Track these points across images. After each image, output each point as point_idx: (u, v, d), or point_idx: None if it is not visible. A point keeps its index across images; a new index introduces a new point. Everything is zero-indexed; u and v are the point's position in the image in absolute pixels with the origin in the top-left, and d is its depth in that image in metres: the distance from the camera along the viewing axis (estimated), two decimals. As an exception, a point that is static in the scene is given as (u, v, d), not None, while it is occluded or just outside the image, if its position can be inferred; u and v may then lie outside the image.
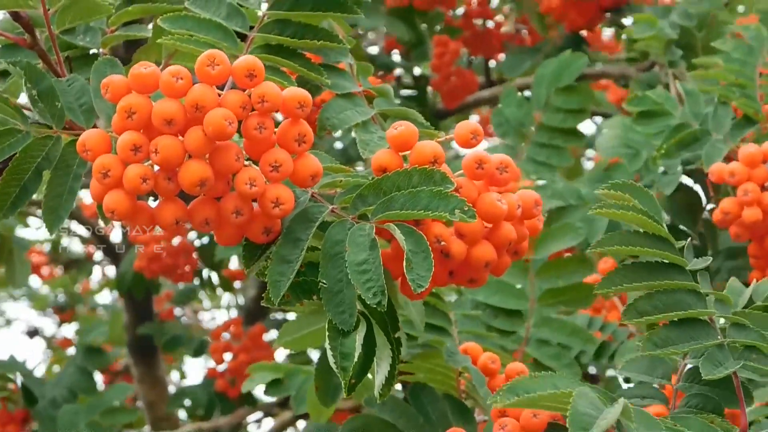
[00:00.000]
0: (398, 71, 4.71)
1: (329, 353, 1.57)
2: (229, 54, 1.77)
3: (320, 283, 1.59)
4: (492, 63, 4.69)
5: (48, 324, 7.20)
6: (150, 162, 1.58)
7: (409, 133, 1.69)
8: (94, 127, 1.76)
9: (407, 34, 3.98)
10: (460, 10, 4.49)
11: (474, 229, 1.68)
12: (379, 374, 1.66)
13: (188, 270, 4.04)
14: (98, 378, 5.90)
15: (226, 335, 4.22)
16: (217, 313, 7.03)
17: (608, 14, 3.98)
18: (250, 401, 4.14)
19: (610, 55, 4.33)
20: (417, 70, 4.69)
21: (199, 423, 3.99)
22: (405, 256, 1.54)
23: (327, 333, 1.58)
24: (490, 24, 4.48)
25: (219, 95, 1.58)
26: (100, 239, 4.45)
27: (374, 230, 1.59)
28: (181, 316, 6.32)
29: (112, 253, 4.45)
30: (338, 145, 4.48)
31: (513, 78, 4.15)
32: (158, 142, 1.56)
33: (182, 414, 4.69)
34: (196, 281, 4.51)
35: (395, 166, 1.67)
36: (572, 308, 2.65)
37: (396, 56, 4.64)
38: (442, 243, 1.65)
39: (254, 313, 4.59)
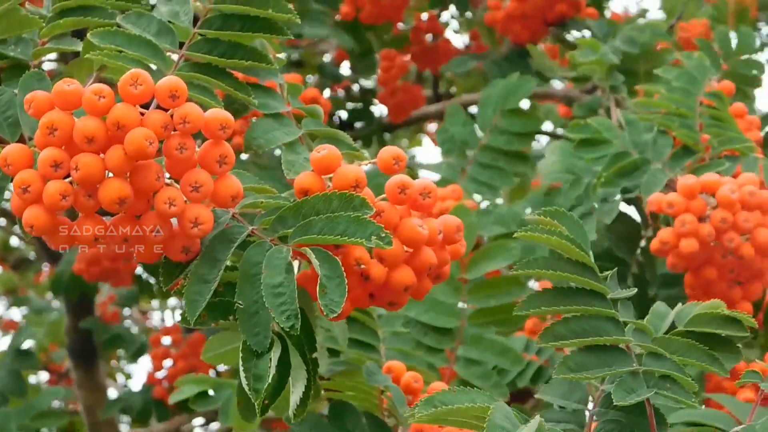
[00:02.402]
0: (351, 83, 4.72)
1: (242, 375, 1.58)
2: (158, 71, 1.79)
3: (237, 304, 1.60)
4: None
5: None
6: (70, 178, 1.59)
7: (332, 157, 1.71)
8: (20, 140, 1.76)
9: (353, 44, 4.00)
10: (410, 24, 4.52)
11: (394, 254, 1.70)
12: (294, 395, 1.67)
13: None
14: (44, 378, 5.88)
15: (166, 341, 4.21)
16: (168, 314, 7.00)
17: (552, 28, 4.02)
18: (187, 408, 4.13)
19: (561, 65, 4.36)
20: (365, 83, 4.70)
21: (136, 429, 3.97)
22: (319, 281, 1.55)
23: (241, 354, 1.59)
24: (439, 39, 4.50)
25: (142, 114, 1.59)
26: (38, 239, 4.40)
27: (291, 254, 1.61)
28: (127, 316, 6.28)
29: (51, 253, 4.42)
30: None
31: (460, 93, 4.17)
32: (79, 159, 1.57)
33: (126, 419, 4.68)
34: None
35: (317, 189, 1.69)
36: (504, 328, 2.67)
37: (346, 68, 4.66)
38: (362, 266, 1.67)
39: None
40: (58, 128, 1.58)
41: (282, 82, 1.98)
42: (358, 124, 4.44)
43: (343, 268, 1.58)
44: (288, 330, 1.56)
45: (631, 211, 2.82)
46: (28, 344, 4.57)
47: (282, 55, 4.30)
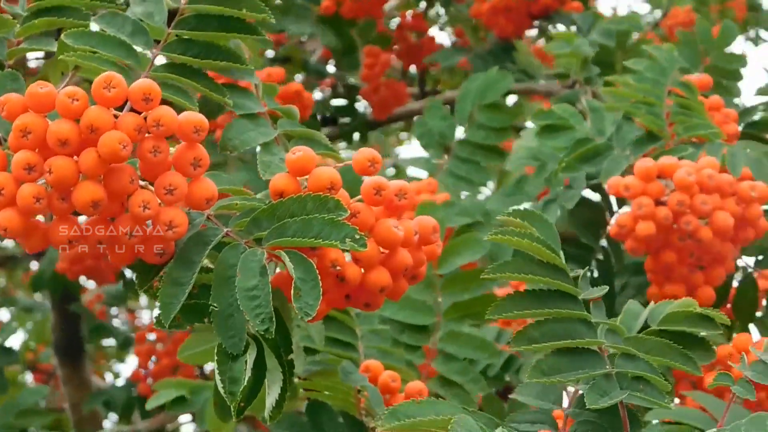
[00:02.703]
0: (335, 80, 4.72)
1: (217, 378, 1.59)
2: (132, 72, 1.79)
3: (212, 307, 1.61)
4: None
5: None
6: (44, 181, 1.59)
7: (307, 159, 1.71)
8: (-5, 142, 1.76)
9: (335, 41, 4.00)
10: (395, 22, 4.52)
11: (369, 255, 1.70)
12: (269, 396, 1.68)
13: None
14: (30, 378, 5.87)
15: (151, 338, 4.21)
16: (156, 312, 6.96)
17: (537, 21, 4.02)
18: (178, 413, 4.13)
19: (544, 62, 4.36)
20: (351, 80, 4.70)
21: (119, 426, 3.97)
22: (293, 284, 1.56)
23: (216, 357, 1.59)
24: (424, 37, 4.50)
25: (116, 117, 1.59)
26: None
27: (266, 256, 1.61)
28: (115, 315, 6.27)
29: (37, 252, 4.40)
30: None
31: (444, 90, 4.18)
32: (52, 162, 1.57)
33: (113, 418, 4.68)
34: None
35: (292, 191, 1.69)
36: (480, 321, 2.68)
37: (332, 66, 4.66)
38: (338, 268, 1.67)
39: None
40: (32, 131, 1.58)
41: (257, 82, 1.98)
42: (342, 120, 4.44)
43: (317, 271, 1.59)
44: (263, 333, 1.56)
45: (597, 198, 2.81)
46: (12, 341, 4.57)
47: (269, 53, 4.32)
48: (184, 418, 4.39)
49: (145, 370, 4.17)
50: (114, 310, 6.08)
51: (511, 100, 4.56)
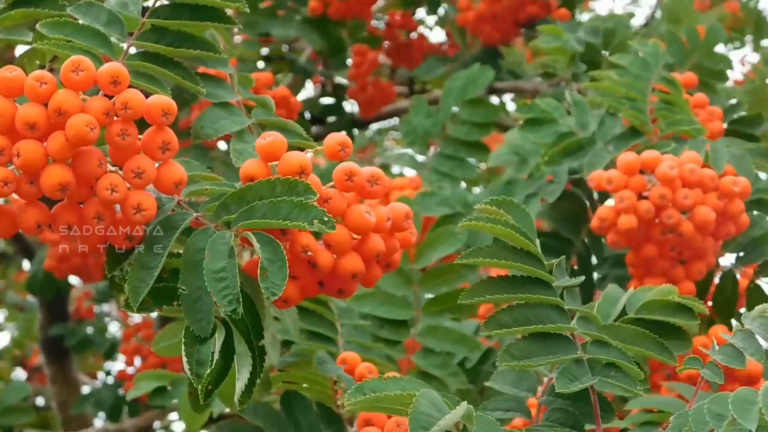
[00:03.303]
0: (322, 79, 4.72)
1: (184, 360, 1.59)
2: (106, 61, 1.79)
3: (180, 290, 1.61)
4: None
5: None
6: (13, 166, 1.59)
7: (278, 144, 1.71)
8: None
9: (320, 42, 4.00)
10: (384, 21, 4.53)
11: (341, 240, 1.70)
12: (239, 381, 1.67)
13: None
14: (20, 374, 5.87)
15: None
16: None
17: (523, 29, 4.03)
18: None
19: (530, 62, 4.38)
20: (339, 79, 4.71)
21: (105, 425, 3.97)
22: (260, 265, 1.56)
23: (183, 340, 1.59)
24: (413, 35, 4.51)
25: (84, 101, 1.59)
26: (14, 237, 4.41)
27: (234, 239, 1.61)
28: (107, 313, 6.26)
29: (26, 249, 4.42)
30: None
31: (432, 89, 4.19)
32: (20, 146, 1.57)
33: (102, 416, 4.67)
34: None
35: (262, 176, 1.69)
36: (458, 315, 2.68)
37: (322, 65, 4.66)
38: (309, 253, 1.67)
39: (171, 317, 4.56)
40: (0, 115, 1.58)
41: (232, 72, 1.98)
42: (330, 119, 4.44)
43: (285, 252, 1.59)
44: (230, 314, 1.56)
45: (579, 193, 2.81)
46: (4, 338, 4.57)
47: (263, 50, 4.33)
48: (174, 416, 4.38)
49: (132, 368, 4.17)
50: (105, 308, 6.08)
51: (496, 101, 4.57)
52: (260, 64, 4.21)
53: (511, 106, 5.11)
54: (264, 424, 1.95)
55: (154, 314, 4.75)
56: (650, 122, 2.70)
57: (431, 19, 4.85)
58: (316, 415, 2.01)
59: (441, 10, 4.56)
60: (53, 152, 1.57)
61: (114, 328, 5.46)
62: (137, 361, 4.22)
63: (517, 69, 4.29)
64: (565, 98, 2.90)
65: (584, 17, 4.64)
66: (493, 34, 3.99)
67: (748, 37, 5.72)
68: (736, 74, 6.11)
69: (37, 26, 1.81)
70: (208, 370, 1.59)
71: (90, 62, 1.59)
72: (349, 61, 4.38)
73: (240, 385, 1.68)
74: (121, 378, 4.21)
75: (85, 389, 4.61)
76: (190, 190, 1.71)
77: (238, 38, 3.81)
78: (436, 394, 1.52)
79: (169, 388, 2.58)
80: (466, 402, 1.50)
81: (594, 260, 2.74)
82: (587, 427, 1.82)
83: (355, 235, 1.73)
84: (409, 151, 3.43)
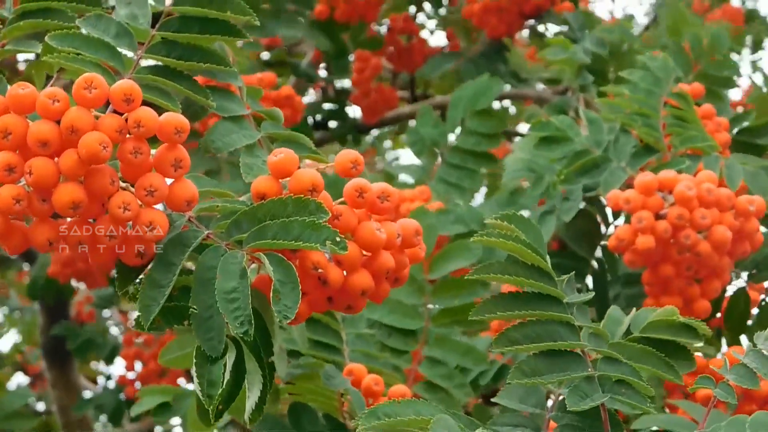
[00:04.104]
0: (325, 84, 4.72)
1: (195, 380, 1.58)
2: (116, 74, 1.79)
3: (191, 309, 1.60)
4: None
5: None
6: (24, 183, 1.59)
7: (289, 161, 1.70)
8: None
9: (327, 45, 4.00)
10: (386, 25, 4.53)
11: (351, 258, 1.70)
12: (249, 399, 1.67)
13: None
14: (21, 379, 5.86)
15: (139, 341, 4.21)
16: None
17: (529, 21, 4.02)
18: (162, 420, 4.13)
19: (531, 63, 4.37)
20: (341, 84, 4.71)
21: (106, 429, 3.97)
22: (273, 287, 1.55)
23: (194, 359, 1.59)
24: (414, 40, 4.50)
25: (97, 118, 1.59)
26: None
27: (246, 258, 1.60)
28: (108, 317, 6.26)
29: (28, 255, 4.41)
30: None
31: (434, 94, 4.18)
32: (32, 163, 1.57)
33: (104, 420, 4.67)
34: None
35: (274, 193, 1.69)
36: (469, 328, 2.67)
37: (323, 70, 4.66)
38: (320, 270, 1.67)
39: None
40: (12, 132, 1.58)
41: (241, 85, 1.97)
42: (332, 124, 4.44)
43: (297, 274, 1.58)
44: (242, 336, 1.56)
45: (593, 210, 2.81)
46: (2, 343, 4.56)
47: (264, 55, 4.32)
48: (175, 420, 4.38)
49: (133, 374, 4.17)
50: (107, 313, 6.07)
51: (498, 104, 4.56)
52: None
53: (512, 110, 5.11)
54: (271, 437, 1.95)
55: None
56: (663, 138, 2.70)
57: (432, 23, 4.85)
58: (324, 426, 2.01)
59: (442, 10, 4.55)
60: (65, 170, 1.56)
61: (115, 332, 5.44)
62: (138, 366, 4.21)
63: (520, 71, 4.28)
64: (572, 108, 2.90)
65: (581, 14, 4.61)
66: (499, 26, 3.99)
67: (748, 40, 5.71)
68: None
69: (47, 38, 1.81)
70: (220, 390, 1.58)
71: (102, 80, 1.59)
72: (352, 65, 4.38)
73: (251, 402, 1.67)
74: (122, 383, 4.20)
75: (87, 393, 4.61)
76: (200, 206, 1.71)
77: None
78: (451, 420, 1.51)
79: (172, 404, 2.57)
80: (481, 428, 1.50)
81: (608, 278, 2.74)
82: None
83: (365, 252, 1.73)
84: (412, 155, 3.42)
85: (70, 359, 4.46)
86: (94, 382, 6.01)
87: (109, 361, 4.55)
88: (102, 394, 4.31)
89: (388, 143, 6.82)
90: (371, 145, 6.10)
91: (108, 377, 6.77)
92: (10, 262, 6.64)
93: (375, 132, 5.61)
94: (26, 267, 6.57)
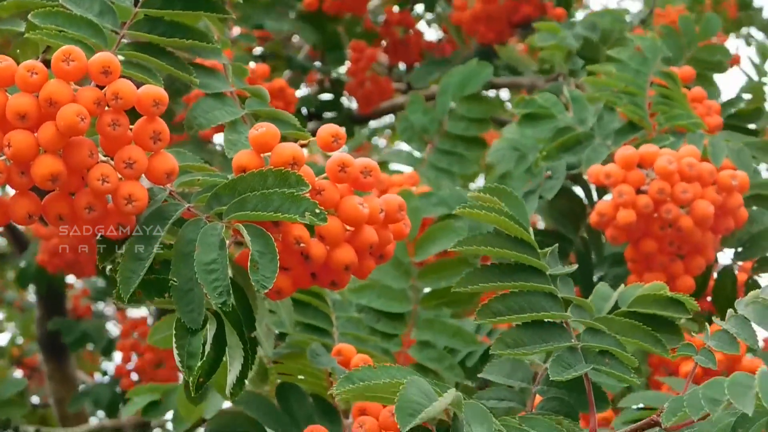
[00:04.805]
0: (321, 75, 4.72)
1: (175, 352, 1.58)
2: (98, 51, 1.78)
3: (171, 281, 1.60)
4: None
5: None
6: (3, 156, 1.59)
7: (270, 134, 1.70)
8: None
9: (314, 38, 4.00)
10: (382, 17, 4.52)
11: (334, 232, 1.69)
12: (231, 373, 1.67)
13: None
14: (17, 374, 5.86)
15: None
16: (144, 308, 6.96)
17: (518, 29, 4.03)
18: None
19: (527, 57, 4.37)
20: (337, 74, 4.71)
21: (101, 421, 3.97)
22: (250, 257, 1.55)
23: (174, 332, 1.59)
24: (410, 32, 4.51)
25: (75, 91, 1.59)
26: (11, 232, 4.42)
27: (225, 230, 1.60)
28: (109, 315, 6.26)
29: (24, 247, 4.42)
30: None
31: (427, 86, 4.18)
32: (11, 136, 1.57)
33: (101, 414, 4.67)
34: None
35: (255, 167, 1.68)
36: (456, 309, 2.67)
37: (318, 62, 4.66)
38: (302, 245, 1.66)
39: (168, 310, 4.56)
40: (-10, 105, 1.57)
41: (226, 62, 1.97)
42: (327, 115, 4.44)
43: (278, 244, 1.58)
44: (221, 306, 1.56)
45: (577, 190, 2.80)
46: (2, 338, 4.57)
47: (258, 50, 4.32)
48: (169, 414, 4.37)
49: (129, 365, 4.17)
50: (107, 310, 6.07)
51: (493, 95, 4.56)
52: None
53: (508, 102, 5.10)
54: (260, 416, 1.94)
55: (151, 311, 4.75)
56: (648, 117, 2.69)
57: (428, 16, 4.85)
58: (312, 406, 2.00)
59: (438, 8, 4.56)
60: (44, 142, 1.56)
61: (111, 327, 5.45)
62: (134, 357, 4.21)
63: (514, 64, 4.28)
64: (563, 93, 2.89)
65: (579, 15, 4.62)
66: (488, 35, 4.00)
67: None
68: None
69: (29, 16, 1.80)
70: (200, 362, 1.58)
71: (81, 52, 1.59)
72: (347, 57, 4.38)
73: (232, 376, 1.67)
74: (119, 374, 4.20)
75: (83, 387, 4.61)
76: (181, 180, 1.71)
77: (236, 30, 3.81)
78: (425, 382, 1.51)
79: (162, 400, 2.59)
80: (455, 389, 1.50)
81: (593, 259, 2.73)
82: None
83: (348, 227, 1.72)
84: (407, 147, 3.42)
85: (67, 352, 4.46)
86: (92, 376, 6.02)
87: (105, 353, 4.54)
88: (98, 386, 4.31)
89: (383, 142, 6.82)
90: (367, 139, 6.10)
91: (104, 373, 6.79)
92: (5, 258, 6.65)
93: (372, 124, 5.60)
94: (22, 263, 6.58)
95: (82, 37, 1.79)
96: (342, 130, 1.74)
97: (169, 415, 4.06)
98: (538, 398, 1.87)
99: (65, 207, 1.62)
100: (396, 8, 4.50)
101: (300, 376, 2.14)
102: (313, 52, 4.66)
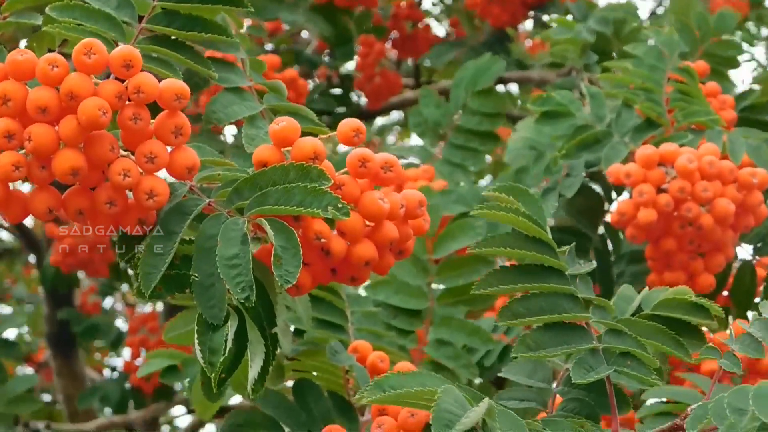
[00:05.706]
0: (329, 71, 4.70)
1: (197, 348, 1.57)
2: (117, 45, 1.77)
3: (192, 277, 1.59)
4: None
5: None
6: (24, 150, 1.57)
7: (291, 129, 1.69)
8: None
9: (327, 30, 3.98)
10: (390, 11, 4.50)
11: (354, 227, 1.68)
12: (252, 369, 1.65)
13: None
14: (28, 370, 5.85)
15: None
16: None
17: (532, 11, 4.01)
18: (165, 396, 4.11)
19: (533, 56, 4.36)
20: (346, 69, 4.69)
21: (110, 417, 3.96)
22: (273, 252, 1.54)
23: (196, 327, 1.57)
24: (419, 26, 4.49)
25: (96, 84, 1.57)
26: (21, 231, 4.40)
27: (247, 225, 1.59)
28: (111, 305, 6.25)
29: (35, 246, 4.40)
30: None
31: (438, 80, 4.17)
32: (32, 130, 1.55)
33: (107, 411, 4.66)
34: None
35: (275, 161, 1.67)
36: (473, 307, 2.65)
37: (327, 57, 4.65)
38: (323, 240, 1.65)
39: (178, 306, 4.55)
40: (12, 98, 1.56)
41: (244, 57, 1.96)
42: (338, 110, 4.42)
43: (299, 239, 1.57)
44: (243, 302, 1.55)
45: (596, 186, 2.78)
46: (11, 333, 4.55)
47: (269, 46, 4.30)
48: (177, 410, 4.37)
49: (137, 361, 4.15)
50: (117, 307, 6.06)
51: (502, 90, 4.55)
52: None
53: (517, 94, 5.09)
54: (276, 413, 1.93)
55: (161, 307, 4.74)
56: (666, 113, 2.67)
57: (436, 10, 4.84)
58: (329, 403, 1.99)
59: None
60: (65, 136, 1.55)
61: (120, 323, 5.43)
62: (143, 353, 4.20)
63: (524, 59, 4.27)
64: (577, 88, 2.88)
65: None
66: (502, 16, 3.99)
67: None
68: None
69: (47, 9, 1.79)
70: (222, 358, 1.57)
71: (102, 45, 1.57)
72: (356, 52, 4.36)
73: (253, 373, 1.65)
74: (128, 370, 4.18)
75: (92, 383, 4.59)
76: (202, 175, 1.69)
77: (246, 21, 3.78)
78: (458, 391, 1.49)
79: (180, 368, 2.56)
80: (487, 398, 1.48)
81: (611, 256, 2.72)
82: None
83: (368, 222, 1.71)
84: (420, 141, 3.41)
85: (75, 348, 4.45)
86: (100, 373, 6.01)
87: (114, 347, 4.53)
88: (107, 382, 4.29)
89: (391, 139, 6.80)
90: (377, 135, 6.09)
91: (113, 369, 6.77)
92: (14, 254, 6.64)
93: (380, 121, 5.59)
94: (32, 260, 6.57)
95: (100, 30, 1.78)
96: (363, 125, 1.73)
97: (179, 410, 4.08)
98: (558, 399, 1.85)
99: (86, 202, 1.60)
100: (404, 2, 4.48)
101: (315, 373, 2.13)
102: (320, 48, 4.65)
